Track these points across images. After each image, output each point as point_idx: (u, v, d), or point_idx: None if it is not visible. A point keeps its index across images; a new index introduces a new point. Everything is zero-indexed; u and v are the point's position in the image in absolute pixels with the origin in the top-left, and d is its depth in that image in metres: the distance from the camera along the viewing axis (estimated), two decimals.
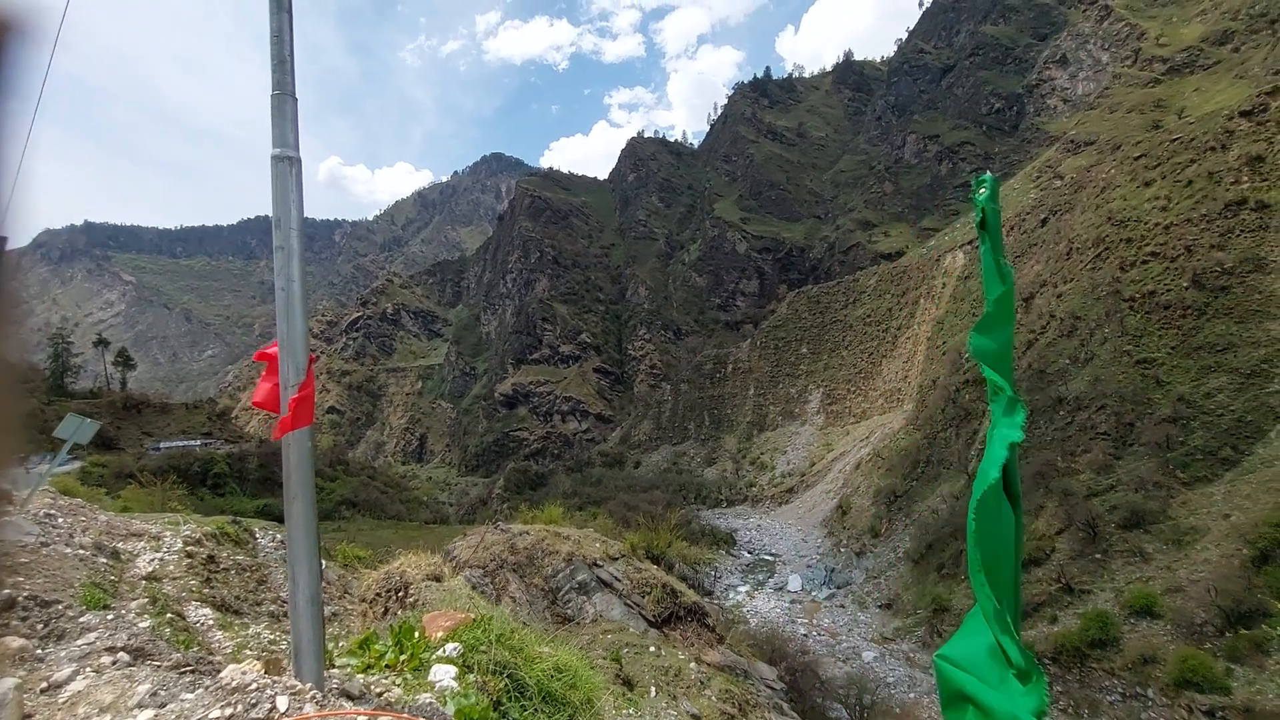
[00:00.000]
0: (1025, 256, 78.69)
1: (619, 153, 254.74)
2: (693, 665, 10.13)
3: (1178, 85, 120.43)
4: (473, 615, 4.65)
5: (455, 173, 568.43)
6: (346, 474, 77.08)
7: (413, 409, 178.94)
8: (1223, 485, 40.75)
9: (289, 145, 2.82)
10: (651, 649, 10.58)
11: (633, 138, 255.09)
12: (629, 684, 9.16)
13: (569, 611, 12.79)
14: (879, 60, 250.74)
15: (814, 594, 61.33)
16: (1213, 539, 38.06)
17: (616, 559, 14.22)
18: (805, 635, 50.90)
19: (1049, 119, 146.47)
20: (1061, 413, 53.47)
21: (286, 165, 2.79)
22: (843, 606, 57.36)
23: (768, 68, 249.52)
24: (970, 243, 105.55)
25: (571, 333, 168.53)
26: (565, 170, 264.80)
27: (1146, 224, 57.19)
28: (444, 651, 4.23)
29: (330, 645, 4.82)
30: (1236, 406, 43.35)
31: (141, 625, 6.05)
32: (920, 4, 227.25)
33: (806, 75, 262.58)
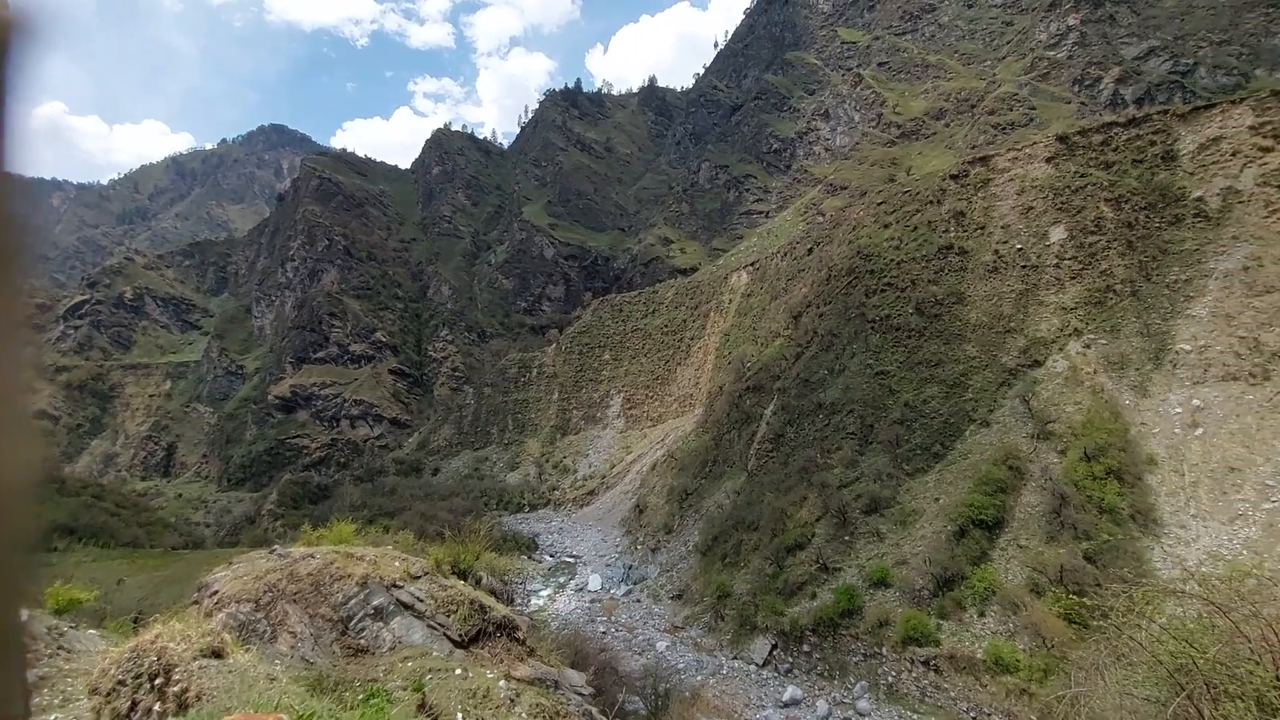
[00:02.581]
0: (796, 279, 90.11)
1: (424, 143, 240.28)
2: (502, 683, 9.91)
3: (907, 148, 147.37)
4: (284, 717, 3.41)
5: (224, 141, 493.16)
6: (61, 494, 62.31)
7: (158, 413, 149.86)
8: (934, 475, 50.57)
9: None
10: (458, 672, 10.13)
11: (439, 129, 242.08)
12: (433, 714, 8.69)
13: (363, 642, 11.71)
14: (680, 89, 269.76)
15: (612, 591, 63.49)
16: (927, 519, 47.01)
17: (419, 578, 13.37)
18: (604, 633, 52.50)
19: (814, 163, 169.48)
20: (821, 416, 61.99)
21: None
22: (639, 601, 60.16)
23: (578, 79, 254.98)
24: (753, 264, 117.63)
25: (364, 330, 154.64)
26: (361, 154, 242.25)
27: (885, 259, 68.91)
28: None
29: None
30: (944, 411, 54.13)
31: None
32: (715, 45, 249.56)
33: (615, 93, 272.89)
